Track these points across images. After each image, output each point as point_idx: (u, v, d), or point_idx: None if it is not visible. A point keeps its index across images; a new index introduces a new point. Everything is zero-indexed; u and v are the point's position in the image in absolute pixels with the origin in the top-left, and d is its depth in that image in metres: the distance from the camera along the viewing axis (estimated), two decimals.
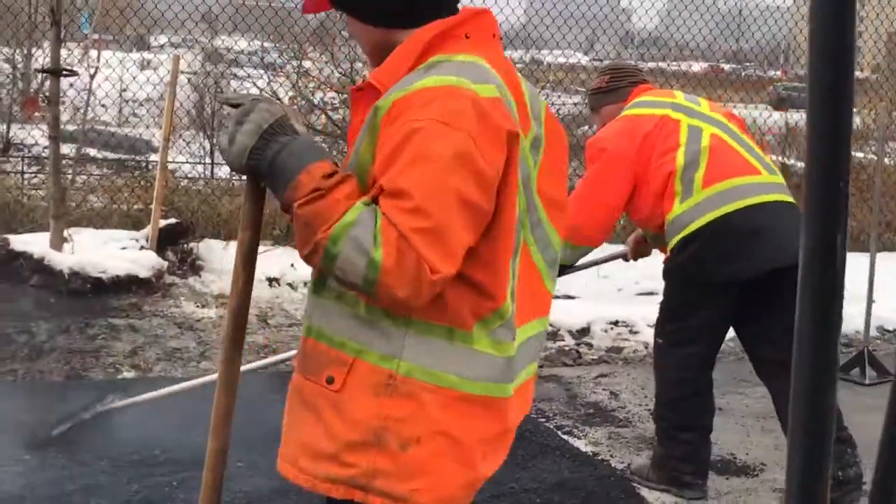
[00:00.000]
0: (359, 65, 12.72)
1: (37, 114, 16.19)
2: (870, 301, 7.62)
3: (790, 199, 4.83)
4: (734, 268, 4.76)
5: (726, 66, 20.90)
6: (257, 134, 2.29)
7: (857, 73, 4.21)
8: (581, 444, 6.01)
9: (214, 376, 5.52)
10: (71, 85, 12.24)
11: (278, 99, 14.18)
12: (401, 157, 2.20)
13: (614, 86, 5.29)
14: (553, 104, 15.52)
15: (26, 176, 12.71)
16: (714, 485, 5.36)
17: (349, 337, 2.35)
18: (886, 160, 10.87)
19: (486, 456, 2.44)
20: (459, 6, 2.53)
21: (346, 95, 13.82)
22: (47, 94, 8.96)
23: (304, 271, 8.91)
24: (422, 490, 2.33)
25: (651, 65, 16.13)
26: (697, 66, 17.57)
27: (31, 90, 17.26)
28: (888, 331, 9.10)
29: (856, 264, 7.19)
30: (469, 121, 2.22)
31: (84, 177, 12.18)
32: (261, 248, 8.12)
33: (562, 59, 19.31)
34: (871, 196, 8.15)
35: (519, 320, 2.47)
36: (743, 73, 20.68)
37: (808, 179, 0.62)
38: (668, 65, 16.60)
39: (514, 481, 5.27)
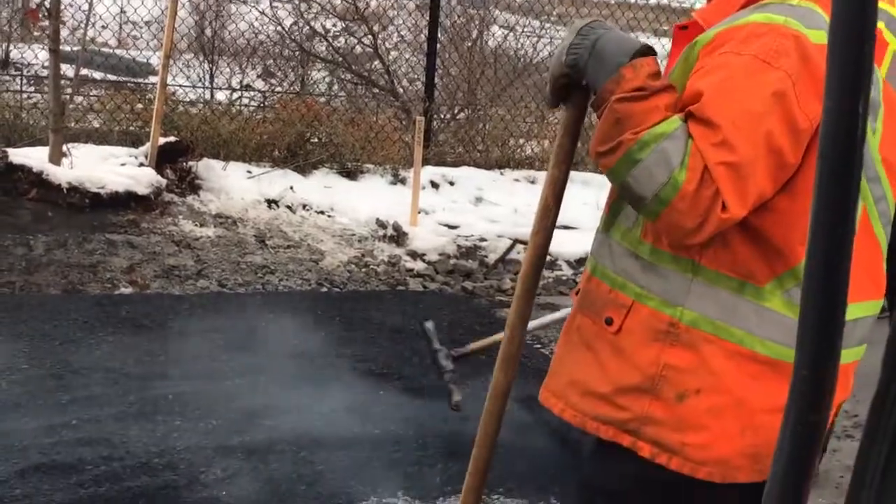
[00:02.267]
0: None
1: (39, 24, 16.07)
2: None
3: None
4: None
5: None
6: (575, 32, 2.24)
7: None
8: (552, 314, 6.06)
9: (558, 314, 5.50)
10: (70, 4, 12.17)
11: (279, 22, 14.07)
12: (715, 88, 2.08)
13: None
14: None
15: (25, 94, 12.64)
16: None
17: (631, 279, 2.26)
18: None
19: (772, 428, 2.15)
20: None
21: (346, 24, 13.77)
22: (48, 7, 8.87)
23: (303, 194, 8.94)
24: (695, 444, 2.22)
25: None
26: None
27: (33, 3, 17.13)
28: None
29: None
30: (791, 62, 2.07)
31: (82, 97, 12.12)
32: (260, 170, 8.16)
33: None
34: None
35: (852, 295, 2.21)
36: None
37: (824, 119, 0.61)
38: None
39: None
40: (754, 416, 2.20)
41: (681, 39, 2.34)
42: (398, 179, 9.81)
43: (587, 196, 9.14)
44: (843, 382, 2.40)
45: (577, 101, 2.43)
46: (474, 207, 9.46)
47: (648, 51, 2.21)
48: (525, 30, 14.28)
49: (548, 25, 15.38)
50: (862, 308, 2.33)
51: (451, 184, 9.90)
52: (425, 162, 9.55)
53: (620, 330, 2.25)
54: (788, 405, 0.62)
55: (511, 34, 14.20)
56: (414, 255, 8.34)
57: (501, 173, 10.44)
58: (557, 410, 2.39)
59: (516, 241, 8.35)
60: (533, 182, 10.06)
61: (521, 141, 12.02)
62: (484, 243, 8.65)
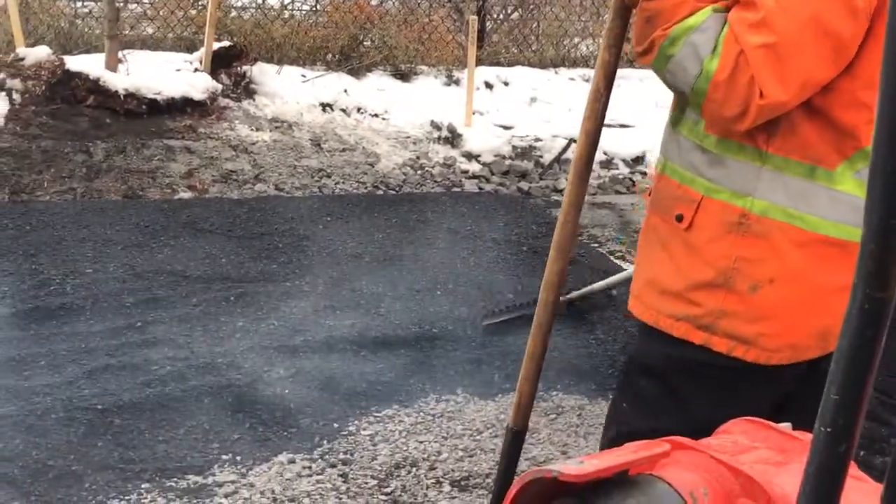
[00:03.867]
0: None
1: None
2: None
3: None
4: None
5: None
6: None
7: None
8: (631, 268, 6.03)
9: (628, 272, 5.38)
10: None
11: None
12: None
13: None
14: None
15: (79, 3, 12.64)
16: None
17: (699, 173, 2.23)
18: None
19: (844, 304, 2.16)
20: None
21: None
22: None
23: (357, 97, 8.90)
24: (770, 334, 2.21)
25: None
26: None
27: None
28: None
29: None
30: None
31: (136, 4, 12.08)
32: (314, 74, 8.13)
33: None
34: None
35: None
36: None
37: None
38: None
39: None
40: (826, 297, 2.19)
41: None
42: (452, 81, 9.74)
43: (644, 94, 9.03)
44: None
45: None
46: (529, 108, 9.38)
47: None
48: None
49: None
50: None
51: (506, 84, 9.82)
52: (479, 62, 9.46)
53: (692, 226, 2.22)
54: (855, 282, 0.61)
55: None
56: (469, 156, 8.32)
57: (556, 73, 10.34)
58: (637, 313, 2.38)
59: (571, 141, 8.29)
60: (588, 81, 9.93)
61: (577, 40, 11.86)
62: (539, 143, 8.60)
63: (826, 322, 2.20)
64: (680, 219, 2.24)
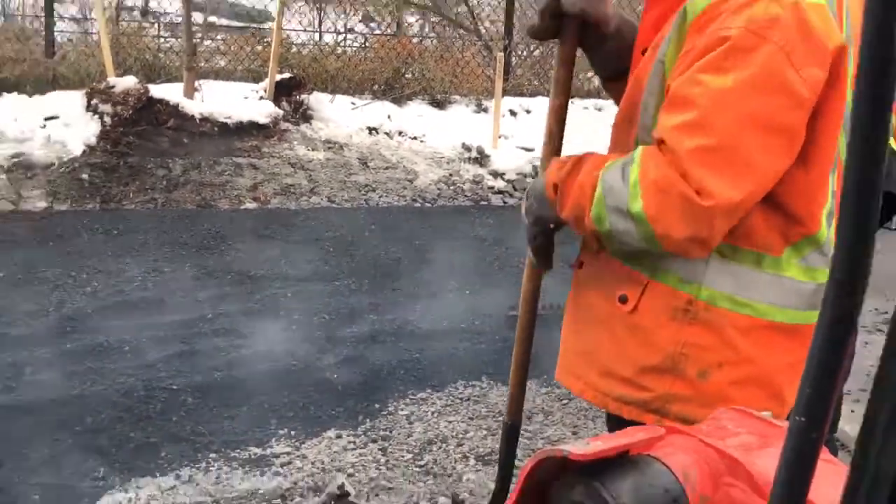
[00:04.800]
0: None
1: None
2: None
3: None
4: None
5: None
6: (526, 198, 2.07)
7: None
8: None
9: None
10: None
11: None
12: (699, 64, 1.74)
13: None
14: None
15: (162, 39, 12.72)
16: None
17: (645, 256, 1.92)
18: None
19: (792, 383, 1.93)
20: None
21: None
22: None
23: (398, 122, 8.91)
24: None
25: None
26: None
27: None
28: None
29: None
30: (785, 30, 1.71)
31: (210, 41, 12.16)
32: (362, 102, 8.10)
33: None
34: None
35: None
36: None
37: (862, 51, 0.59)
38: None
39: None
40: (776, 378, 1.96)
41: (660, 3, 1.96)
42: (481, 109, 9.73)
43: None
44: None
45: (569, 33, 2.19)
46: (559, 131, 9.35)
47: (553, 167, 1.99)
48: None
49: None
50: None
51: (528, 112, 9.80)
52: (504, 93, 9.46)
53: (636, 309, 1.94)
54: (824, 302, 0.61)
55: None
56: (495, 174, 8.31)
57: (572, 102, 10.27)
58: (577, 391, 2.10)
59: None
60: (600, 110, 9.89)
61: (589, 75, 11.82)
62: None
63: (779, 404, 1.97)
64: (624, 300, 1.96)
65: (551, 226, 2.06)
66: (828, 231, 1.92)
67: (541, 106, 9.94)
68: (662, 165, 1.74)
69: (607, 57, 2.19)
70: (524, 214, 2.06)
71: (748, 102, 1.71)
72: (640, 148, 1.81)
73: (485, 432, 4.06)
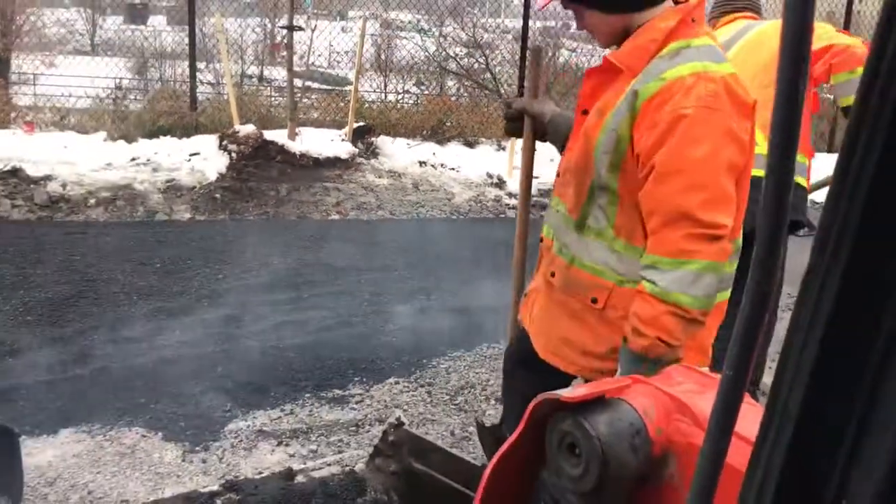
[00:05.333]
0: (479, 30, 12.41)
1: (280, 53, 16.27)
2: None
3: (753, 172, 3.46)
4: None
5: None
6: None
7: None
8: None
9: None
10: (299, 40, 12.18)
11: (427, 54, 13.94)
12: (674, 140, 1.71)
13: (709, 18, 3.66)
14: None
15: (272, 98, 12.81)
16: None
17: (609, 267, 1.90)
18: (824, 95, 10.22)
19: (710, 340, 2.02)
20: None
21: (468, 49, 13.60)
22: (286, 42, 8.94)
23: (441, 157, 8.89)
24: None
25: None
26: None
27: (276, 41, 17.30)
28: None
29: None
30: (724, 100, 1.72)
31: (307, 99, 12.23)
32: (414, 143, 8.03)
33: None
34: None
35: None
36: None
37: (776, 101, 0.58)
38: None
39: None
40: (706, 341, 1.96)
41: (602, 74, 1.92)
42: (501, 147, 9.69)
43: None
44: None
45: (526, 129, 2.26)
46: (550, 163, 9.30)
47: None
48: (583, 50, 13.86)
49: (598, 48, 14.93)
50: None
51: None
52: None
53: (606, 306, 1.92)
54: (749, 280, 0.60)
55: (573, 54, 13.83)
56: (510, 195, 8.27)
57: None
58: (563, 367, 2.05)
59: None
60: None
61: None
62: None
63: (705, 357, 1.97)
64: (595, 301, 1.94)
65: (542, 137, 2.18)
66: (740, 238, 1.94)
67: (544, 144, 9.89)
68: (674, 233, 1.72)
69: (554, 138, 2.26)
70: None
71: (720, 157, 1.71)
72: (647, 257, 1.77)
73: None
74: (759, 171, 3.30)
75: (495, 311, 4.98)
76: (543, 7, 2.05)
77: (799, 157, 3.31)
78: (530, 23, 11.09)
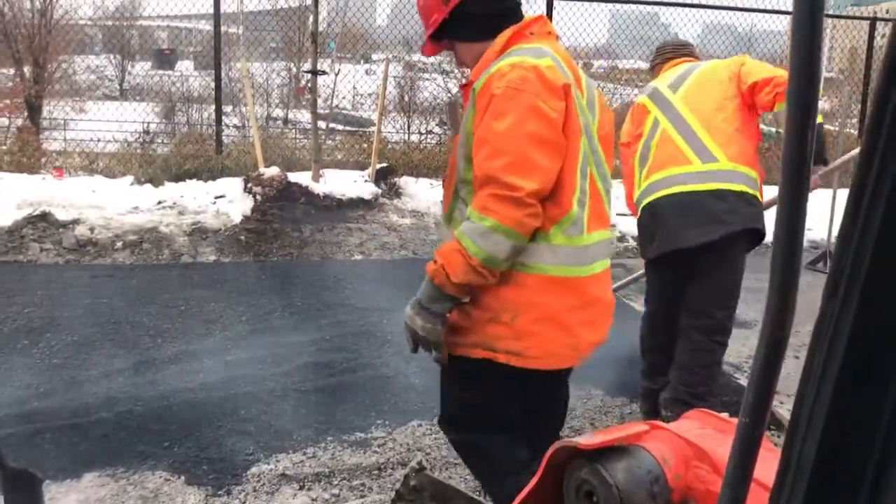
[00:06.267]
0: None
1: (304, 96, 16.52)
2: (832, 214, 7.24)
3: (715, 185, 3.31)
4: (648, 252, 3.57)
5: None
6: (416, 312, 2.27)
7: (828, 74, 3.67)
8: (636, 306, 5.89)
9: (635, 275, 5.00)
10: (323, 83, 12.38)
11: (451, 97, 14.05)
12: (487, 116, 2.03)
13: (651, 65, 4.06)
14: (627, 94, 15.03)
15: (297, 140, 13.00)
16: None
17: None
18: (847, 130, 10.17)
19: (583, 324, 2.18)
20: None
21: None
22: (310, 86, 9.08)
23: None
24: (531, 346, 2.13)
25: None
26: None
27: (300, 84, 17.59)
28: None
29: (823, 193, 6.83)
30: (533, 83, 2.01)
31: (330, 140, 12.40)
32: (437, 182, 8.06)
33: (631, 65, 18.57)
34: (834, 152, 7.64)
35: (590, 228, 2.18)
36: None
37: (786, 135, 0.58)
38: None
39: None
40: (565, 318, 2.13)
41: (466, 93, 2.23)
42: None
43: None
44: (605, 281, 2.31)
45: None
46: None
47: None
48: (604, 89, 13.93)
49: (619, 87, 15.00)
50: (604, 233, 2.27)
51: None
52: None
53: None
54: (763, 325, 0.60)
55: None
56: None
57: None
58: (452, 351, 2.28)
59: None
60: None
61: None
62: None
63: (573, 339, 2.16)
64: None
65: (447, 315, 2.19)
66: (578, 210, 2.12)
67: None
68: (482, 192, 2.00)
69: None
70: (425, 338, 2.22)
71: (523, 128, 1.98)
72: (477, 161, 2.05)
73: None
74: (679, 188, 3.34)
75: None
76: (430, 55, 2.43)
77: (751, 172, 3.41)
78: None
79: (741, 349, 4.86)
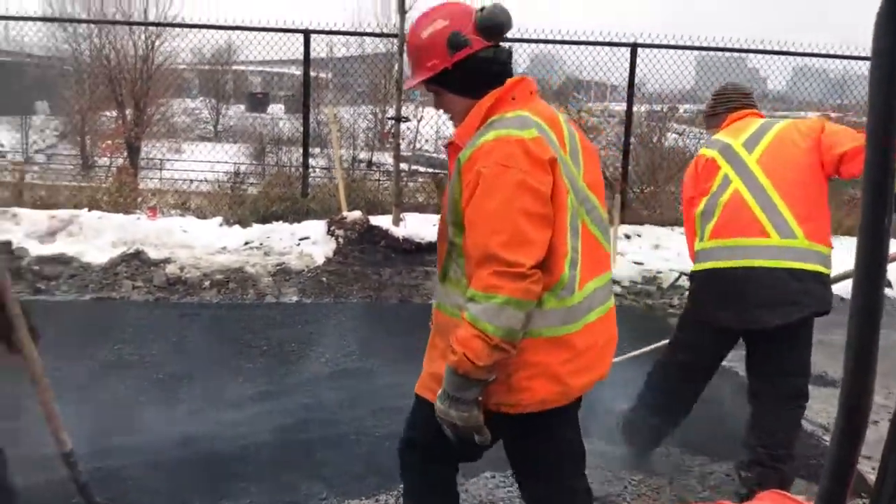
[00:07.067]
0: (583, 114, 12.52)
1: (388, 139, 16.86)
2: None
3: (792, 264, 3.26)
4: (710, 316, 3.51)
5: (833, 115, 19.19)
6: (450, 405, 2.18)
7: None
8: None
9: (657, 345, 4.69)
10: (407, 127, 12.63)
11: None
12: (476, 195, 2.06)
13: (712, 112, 3.88)
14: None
15: (379, 183, 13.27)
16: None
17: (460, 308, 2.16)
18: None
19: (573, 373, 2.23)
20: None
21: None
22: (393, 132, 9.26)
23: None
24: (525, 398, 2.19)
25: (779, 114, 14.94)
26: (812, 114, 16.25)
27: (385, 129, 17.97)
28: None
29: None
30: (519, 158, 2.05)
31: (413, 183, 12.58)
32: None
33: None
34: None
35: (587, 276, 2.24)
36: (844, 119, 18.96)
37: (862, 205, 0.58)
38: (791, 115, 15.40)
39: None
40: (553, 369, 2.18)
41: (450, 151, 2.27)
42: None
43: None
44: (607, 325, 2.38)
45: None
46: (654, 251, 9.16)
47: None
48: (690, 133, 13.75)
49: (706, 135, 14.76)
50: (600, 279, 2.34)
51: (639, 236, 9.64)
52: (622, 221, 9.34)
53: None
54: (841, 399, 0.59)
55: (680, 137, 13.71)
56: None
57: (672, 229, 10.07)
58: (430, 398, 2.29)
59: (681, 274, 8.03)
60: None
61: None
62: (660, 275, 8.36)
63: (562, 388, 2.21)
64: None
65: (479, 398, 2.17)
66: (570, 272, 2.16)
67: (649, 231, 9.77)
68: (483, 272, 2.04)
69: None
70: (465, 427, 2.17)
71: (514, 204, 2.03)
72: (468, 291, 2.08)
73: (600, 479, 3.92)
74: (756, 262, 3.29)
75: (598, 399, 4.87)
76: (410, 87, 2.42)
77: (825, 249, 3.35)
78: (635, 107, 11.12)
79: (831, 409, 4.64)
